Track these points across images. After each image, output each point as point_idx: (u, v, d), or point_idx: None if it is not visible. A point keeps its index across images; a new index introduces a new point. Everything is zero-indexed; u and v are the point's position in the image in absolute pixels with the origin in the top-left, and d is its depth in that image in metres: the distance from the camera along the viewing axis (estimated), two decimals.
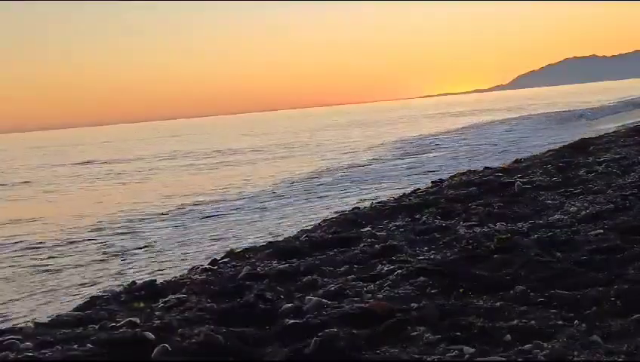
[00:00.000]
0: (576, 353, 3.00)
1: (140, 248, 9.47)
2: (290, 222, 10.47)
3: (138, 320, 3.98)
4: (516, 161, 12.18)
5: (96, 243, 9.97)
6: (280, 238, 7.21)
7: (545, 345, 3.10)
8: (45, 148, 51.58)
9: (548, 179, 8.56)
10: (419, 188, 10.53)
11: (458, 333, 3.36)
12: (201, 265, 6.44)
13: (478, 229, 5.83)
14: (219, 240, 9.59)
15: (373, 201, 9.59)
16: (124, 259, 8.62)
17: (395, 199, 9.26)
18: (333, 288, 4.38)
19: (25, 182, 23.39)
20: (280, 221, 10.84)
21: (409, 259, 5.02)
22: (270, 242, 6.64)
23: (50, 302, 6.70)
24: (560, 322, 3.39)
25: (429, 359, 3.10)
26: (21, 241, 10.71)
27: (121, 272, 7.70)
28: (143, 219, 12.51)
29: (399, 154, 22.43)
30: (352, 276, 4.74)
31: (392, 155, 22.36)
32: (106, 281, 7.29)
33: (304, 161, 22.09)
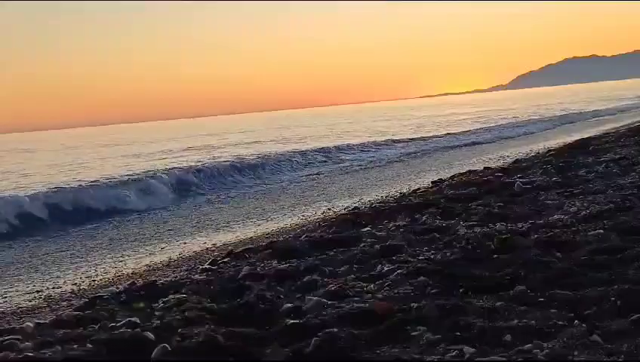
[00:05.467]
0: (576, 353, 3.00)
1: None
2: None
3: (138, 320, 3.98)
4: (516, 161, 12.20)
5: None
6: None
7: (545, 345, 3.10)
8: None
9: (548, 179, 8.58)
10: (419, 188, 10.55)
11: (458, 333, 3.35)
12: (201, 265, 6.46)
13: (478, 229, 5.83)
14: None
15: (373, 201, 9.60)
16: None
17: (395, 199, 9.28)
18: (333, 288, 4.38)
19: None
20: None
21: (409, 259, 5.02)
22: (270, 242, 6.64)
23: None
24: (560, 322, 3.39)
25: (429, 359, 3.10)
26: None
27: None
28: None
29: None
30: (352, 276, 4.74)
31: None
32: None
33: None
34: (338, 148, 23.06)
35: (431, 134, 28.83)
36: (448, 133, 28.72)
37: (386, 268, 4.80)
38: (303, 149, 23.10)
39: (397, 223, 6.72)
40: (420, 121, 43.12)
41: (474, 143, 24.20)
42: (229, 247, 7.52)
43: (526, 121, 33.87)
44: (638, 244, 4.64)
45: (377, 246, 5.56)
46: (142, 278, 6.56)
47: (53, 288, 7.03)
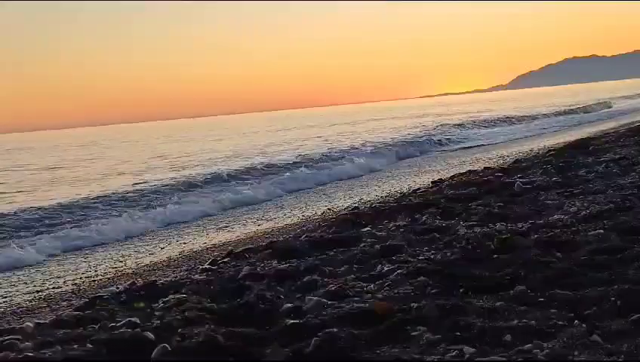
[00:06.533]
0: (576, 353, 3.00)
1: None
2: None
3: (138, 320, 3.98)
4: (516, 161, 12.20)
5: None
6: None
7: (545, 345, 3.10)
8: None
9: (548, 179, 8.57)
10: (419, 188, 10.55)
11: (458, 333, 3.36)
12: (201, 265, 6.46)
13: (478, 229, 5.83)
14: None
15: (373, 201, 9.60)
16: None
17: (395, 199, 9.28)
18: (333, 288, 4.38)
19: None
20: None
21: (409, 259, 5.02)
22: (270, 242, 6.64)
23: None
24: (560, 322, 3.39)
25: (429, 359, 3.10)
26: None
27: None
28: None
29: None
30: (352, 276, 4.74)
31: None
32: None
33: None
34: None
35: (430, 133, 28.88)
36: (447, 133, 28.79)
37: (386, 268, 4.79)
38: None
39: (397, 223, 6.72)
40: (419, 120, 43.24)
41: (473, 144, 24.25)
42: (229, 247, 7.52)
43: (528, 121, 34.89)
44: (638, 244, 4.64)
45: (377, 246, 5.56)
46: (142, 278, 6.57)
47: (54, 288, 7.03)
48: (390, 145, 23.52)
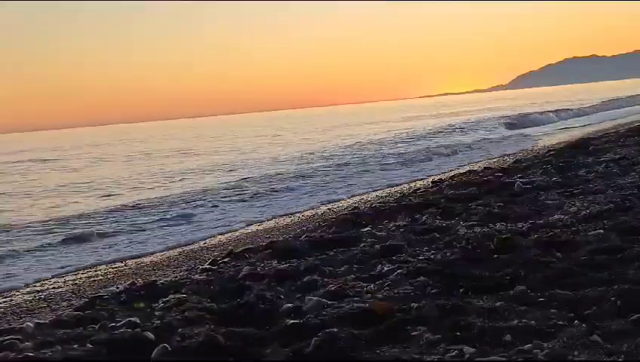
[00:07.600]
0: (576, 353, 3.00)
1: None
2: None
3: (138, 320, 3.98)
4: (516, 161, 12.20)
5: None
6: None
7: (545, 345, 3.10)
8: None
9: (548, 179, 8.57)
10: (419, 188, 10.55)
11: (458, 333, 3.35)
12: (201, 265, 6.46)
13: (478, 229, 5.83)
14: None
15: (373, 201, 9.60)
16: None
17: (395, 199, 9.28)
18: (333, 288, 4.38)
19: None
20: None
21: (409, 259, 5.02)
22: (270, 242, 6.64)
23: None
24: (560, 322, 3.39)
25: (429, 359, 3.10)
26: None
27: None
28: None
29: None
30: (352, 276, 4.74)
31: None
32: None
33: None
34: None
35: (430, 133, 28.94)
36: (449, 134, 28.83)
37: (386, 268, 4.79)
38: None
39: (397, 223, 6.72)
40: (418, 122, 43.28)
41: (472, 145, 24.29)
42: (229, 247, 7.52)
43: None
44: (638, 244, 4.64)
45: (377, 246, 5.56)
46: (142, 278, 6.57)
47: (54, 288, 7.03)
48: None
